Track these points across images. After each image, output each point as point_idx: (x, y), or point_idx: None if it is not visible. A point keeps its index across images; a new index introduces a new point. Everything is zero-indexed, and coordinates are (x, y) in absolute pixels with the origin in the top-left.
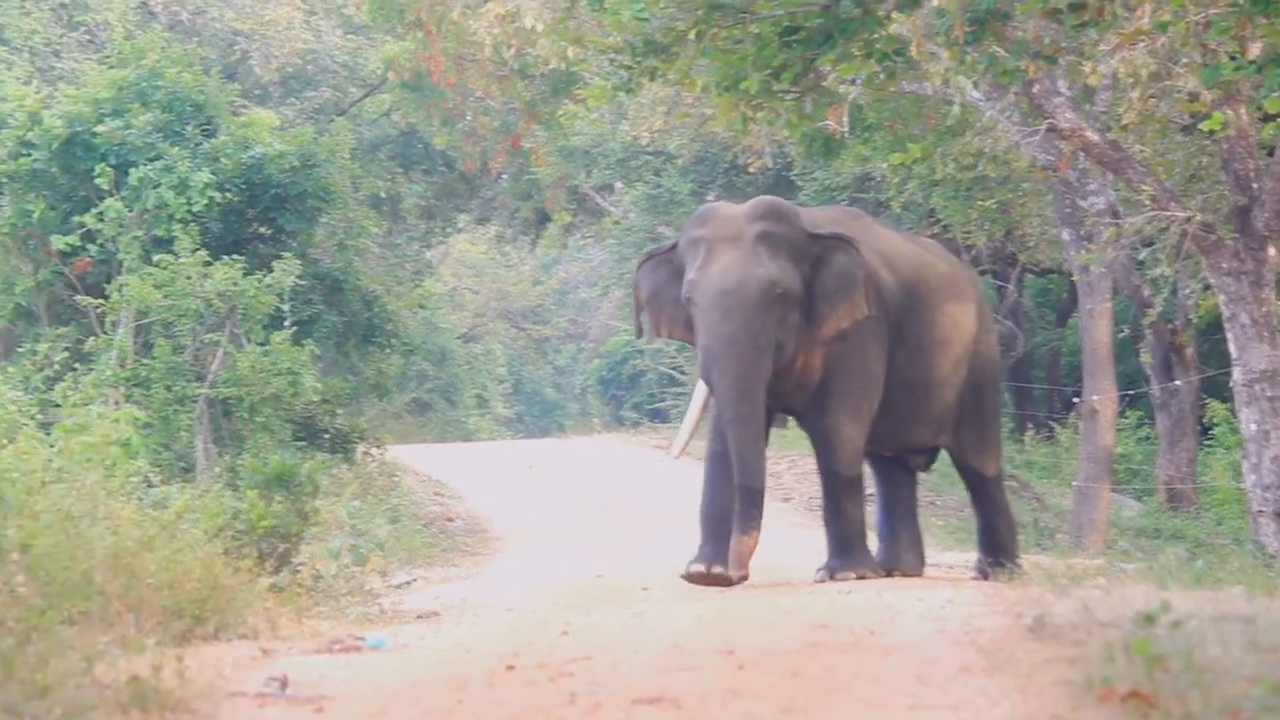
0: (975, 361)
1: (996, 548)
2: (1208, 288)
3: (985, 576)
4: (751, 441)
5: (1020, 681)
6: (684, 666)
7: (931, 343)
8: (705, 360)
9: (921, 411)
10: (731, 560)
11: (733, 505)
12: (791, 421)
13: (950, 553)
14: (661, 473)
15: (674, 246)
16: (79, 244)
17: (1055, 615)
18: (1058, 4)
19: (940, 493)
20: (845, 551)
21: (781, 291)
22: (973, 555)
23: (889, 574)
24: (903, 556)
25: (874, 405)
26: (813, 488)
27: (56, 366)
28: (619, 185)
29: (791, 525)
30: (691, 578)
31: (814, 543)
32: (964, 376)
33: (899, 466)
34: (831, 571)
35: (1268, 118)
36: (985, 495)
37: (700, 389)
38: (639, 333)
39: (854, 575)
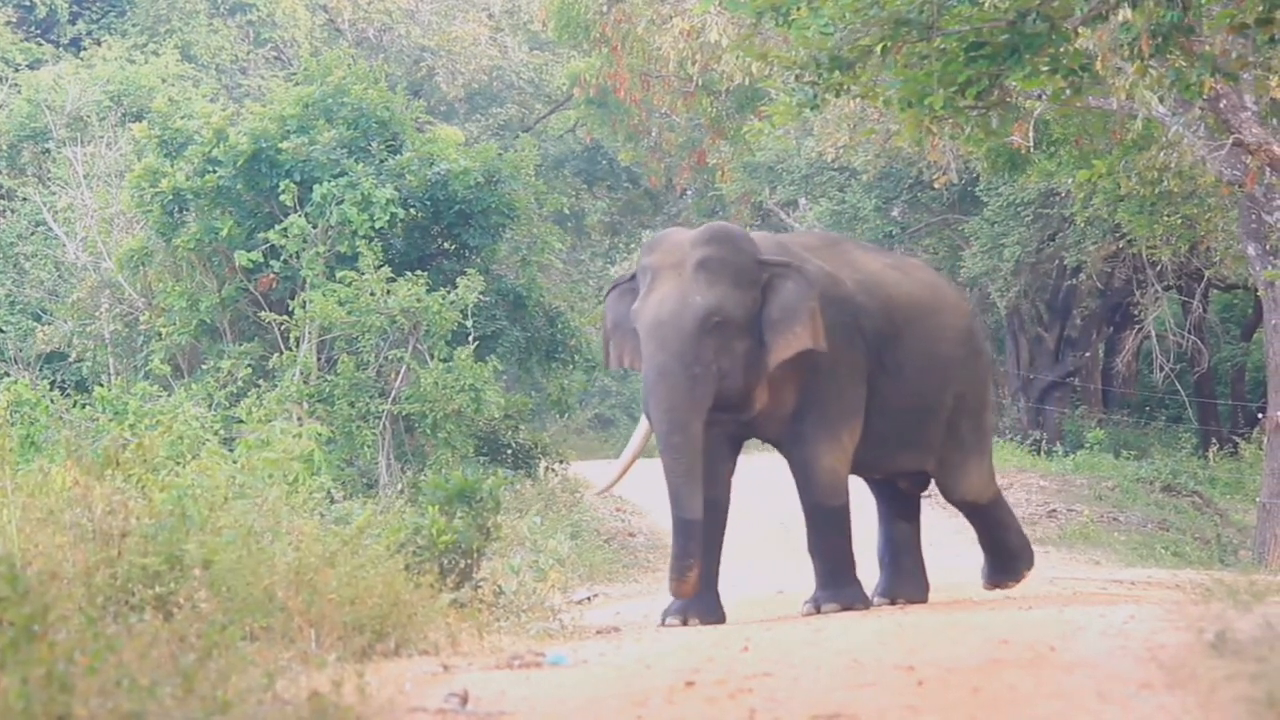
0: (962, 384)
1: (1007, 561)
2: None
3: (995, 586)
4: (684, 473)
5: (1201, 698)
6: (863, 683)
7: (914, 368)
8: (644, 390)
9: (906, 437)
10: (681, 598)
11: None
12: None
13: (1132, 569)
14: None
15: (634, 275)
16: (263, 260)
17: (1237, 631)
18: (1245, 19)
19: (1122, 508)
20: (831, 584)
21: (720, 320)
22: (1155, 571)
23: (891, 602)
24: (903, 585)
25: (855, 434)
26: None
27: (240, 382)
28: (803, 201)
29: (973, 541)
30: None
31: None
32: (950, 401)
33: (902, 493)
34: (817, 604)
35: None
36: (981, 519)
37: (643, 421)
38: (607, 363)
39: (839, 607)
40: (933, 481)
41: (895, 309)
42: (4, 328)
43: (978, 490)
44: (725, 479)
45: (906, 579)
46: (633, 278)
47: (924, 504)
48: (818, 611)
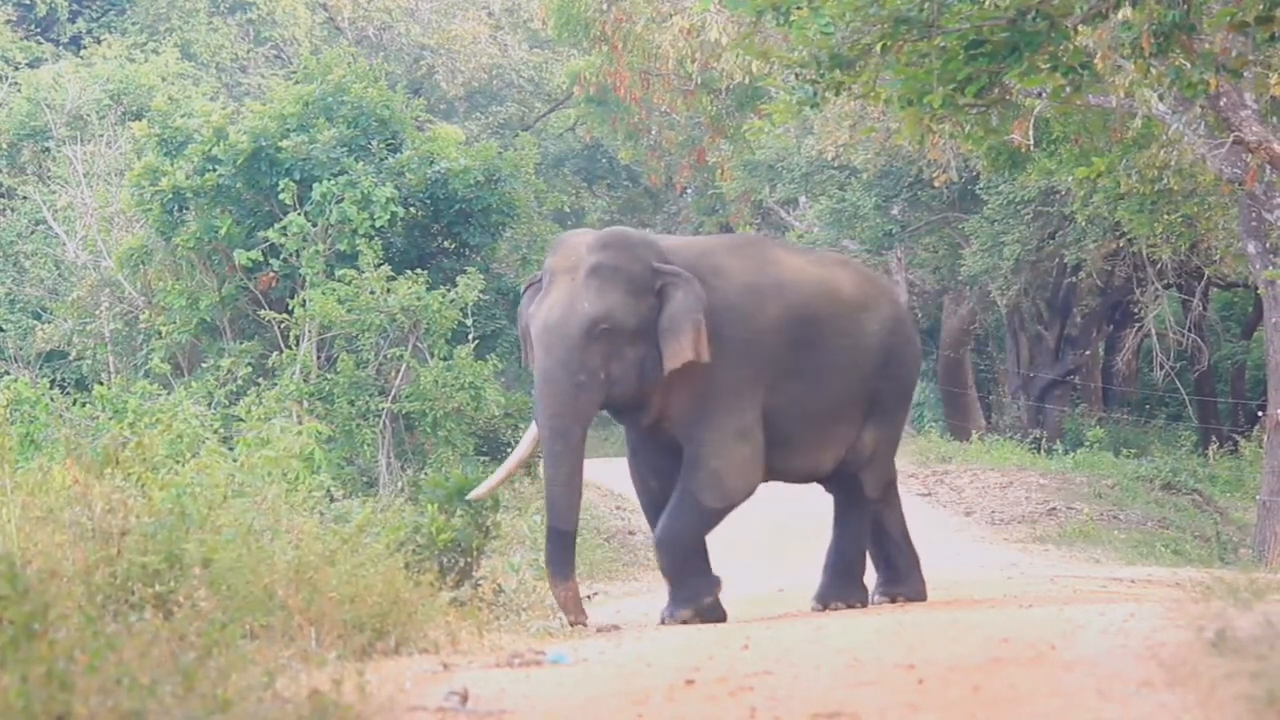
0: (886, 375)
1: (846, 573)
2: None
3: (825, 607)
4: (563, 482)
5: (1202, 696)
6: (864, 681)
7: (830, 372)
8: (534, 396)
9: (825, 439)
10: (563, 610)
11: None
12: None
13: (1132, 567)
14: None
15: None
16: (262, 259)
17: (1238, 630)
18: (1245, 17)
19: (1122, 507)
20: (679, 588)
21: (608, 327)
22: (1155, 569)
23: (892, 600)
24: (903, 582)
25: (757, 444)
26: (994, 502)
27: (240, 381)
28: (803, 199)
29: (973, 539)
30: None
31: (996, 556)
32: (870, 397)
33: (853, 498)
34: (668, 616)
35: None
36: (854, 516)
37: (532, 426)
38: (525, 362)
39: (688, 612)
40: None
41: (814, 312)
42: (4, 326)
43: (872, 478)
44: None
45: (905, 576)
46: (541, 279)
47: (924, 503)
48: (665, 622)
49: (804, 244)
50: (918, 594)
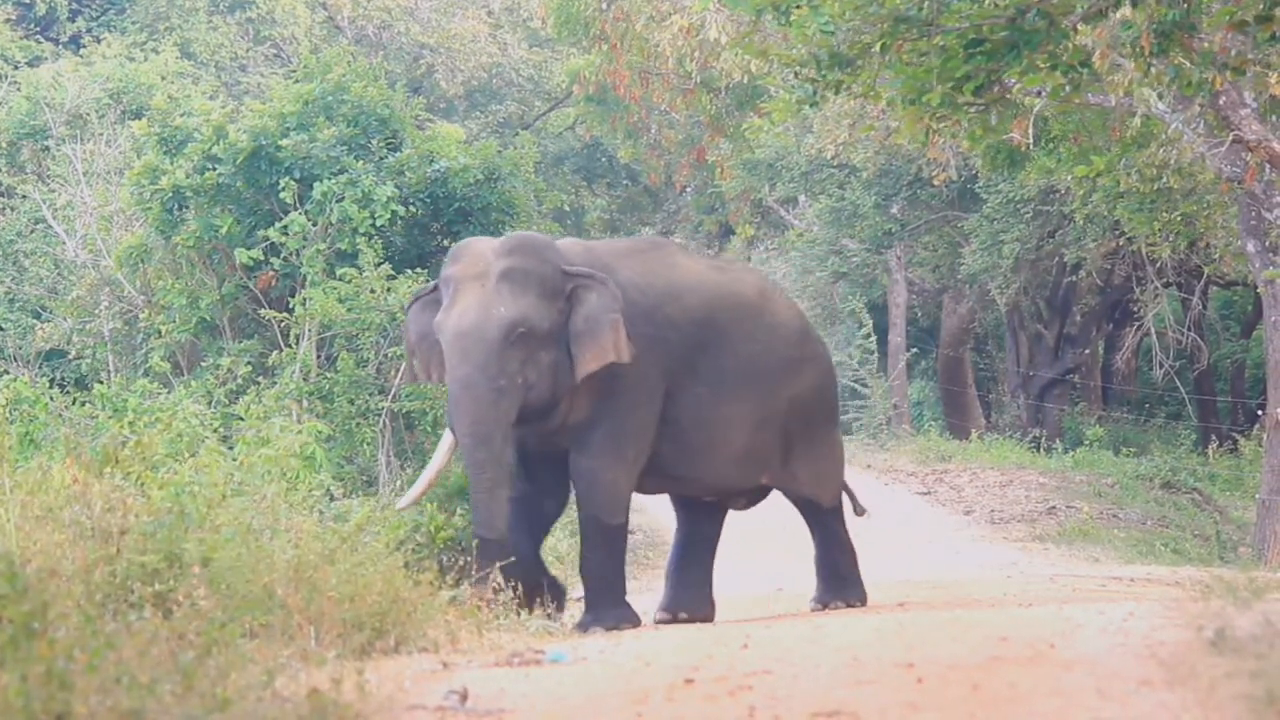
0: (798, 390)
1: (839, 582)
2: None
3: (825, 608)
4: (487, 489)
5: (1201, 695)
6: (863, 680)
7: (734, 378)
8: (448, 404)
9: (728, 450)
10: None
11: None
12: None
13: (1131, 566)
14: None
15: (436, 286)
16: (263, 258)
17: (1237, 629)
18: (1245, 16)
19: (1122, 505)
20: (598, 605)
21: (525, 331)
22: (1154, 568)
23: (673, 618)
24: (686, 599)
25: (643, 450)
26: (994, 501)
27: (239, 380)
28: (803, 198)
29: (973, 538)
30: None
31: (995, 555)
32: (784, 408)
33: (707, 507)
34: (584, 626)
35: None
36: (823, 527)
37: (447, 435)
38: (411, 376)
39: (604, 628)
40: (748, 499)
41: (714, 317)
42: (3, 325)
43: (824, 492)
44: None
45: (689, 593)
46: (435, 289)
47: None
48: (584, 632)
49: (803, 242)
50: (703, 613)
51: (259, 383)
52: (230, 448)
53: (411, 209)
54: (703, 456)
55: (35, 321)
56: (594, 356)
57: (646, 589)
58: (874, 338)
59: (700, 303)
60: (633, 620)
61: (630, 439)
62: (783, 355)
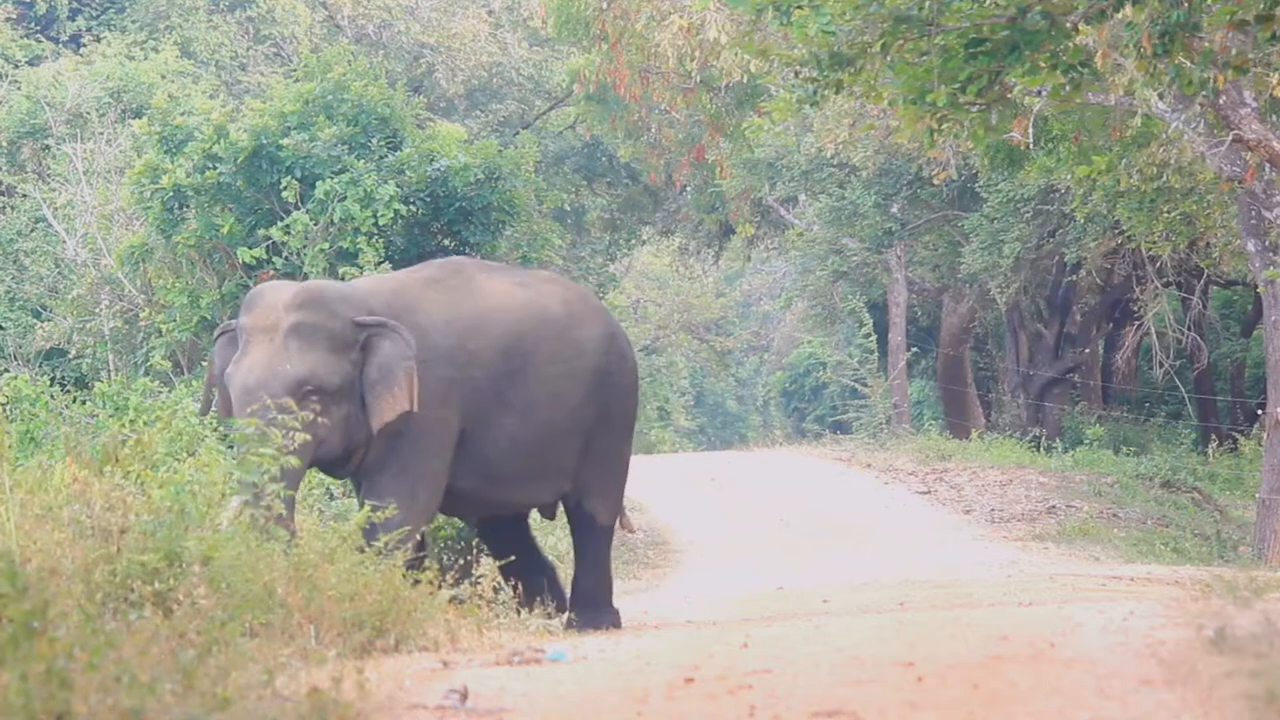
0: (604, 396)
1: (593, 611)
2: None
3: (580, 630)
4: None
5: (1201, 694)
6: (864, 679)
7: (543, 402)
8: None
9: (542, 469)
10: None
11: None
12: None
13: (1132, 565)
14: (843, 486)
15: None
16: (264, 257)
17: (1237, 628)
18: (1246, 16)
19: (1122, 505)
20: None
21: (312, 388)
22: (1155, 567)
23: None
24: (539, 600)
25: (435, 493)
26: (994, 500)
27: None
28: (803, 198)
29: (973, 538)
30: None
31: (995, 554)
32: (592, 416)
33: (509, 522)
34: None
35: None
36: (592, 545)
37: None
38: (205, 407)
39: None
40: (551, 508)
41: (519, 341)
42: (4, 324)
43: (604, 508)
44: None
45: (543, 595)
46: (235, 330)
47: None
48: None
49: (803, 242)
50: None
51: None
52: (230, 447)
53: (412, 208)
54: (513, 483)
55: (36, 320)
56: (388, 407)
57: (646, 588)
58: (874, 337)
59: (504, 330)
60: None
61: (422, 483)
62: (590, 367)
